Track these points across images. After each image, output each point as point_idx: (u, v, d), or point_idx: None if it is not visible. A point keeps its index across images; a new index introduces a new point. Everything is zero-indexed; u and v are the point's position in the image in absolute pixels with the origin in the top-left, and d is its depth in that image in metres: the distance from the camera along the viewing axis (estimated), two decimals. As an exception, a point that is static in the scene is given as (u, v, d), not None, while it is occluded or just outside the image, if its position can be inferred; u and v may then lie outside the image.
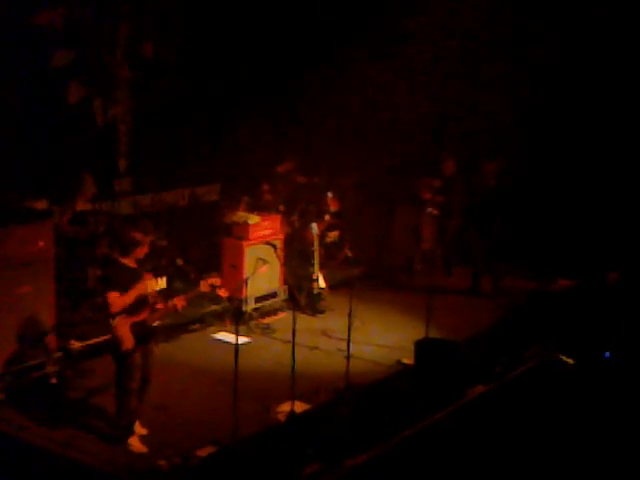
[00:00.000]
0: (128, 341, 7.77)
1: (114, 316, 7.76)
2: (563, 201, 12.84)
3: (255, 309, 11.46)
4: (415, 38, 14.07)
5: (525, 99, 13.45)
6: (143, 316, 7.90)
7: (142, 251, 7.95)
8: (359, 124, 14.37)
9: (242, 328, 10.38)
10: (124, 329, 7.76)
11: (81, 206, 11.05)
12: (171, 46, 12.67)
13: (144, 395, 8.16)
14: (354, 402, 8.84)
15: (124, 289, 7.73)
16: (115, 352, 7.92)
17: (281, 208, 12.76)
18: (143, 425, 8.18)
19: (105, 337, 9.28)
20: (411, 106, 14.20)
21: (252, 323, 11.29)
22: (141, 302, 7.89)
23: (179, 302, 8.01)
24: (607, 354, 9.86)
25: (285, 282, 11.78)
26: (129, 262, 7.92)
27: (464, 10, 13.82)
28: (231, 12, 13.19)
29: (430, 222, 13.22)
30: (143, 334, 7.93)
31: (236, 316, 10.04)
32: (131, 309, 7.82)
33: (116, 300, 7.71)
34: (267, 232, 11.70)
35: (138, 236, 7.94)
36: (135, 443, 7.97)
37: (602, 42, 12.79)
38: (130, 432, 7.99)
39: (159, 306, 8.05)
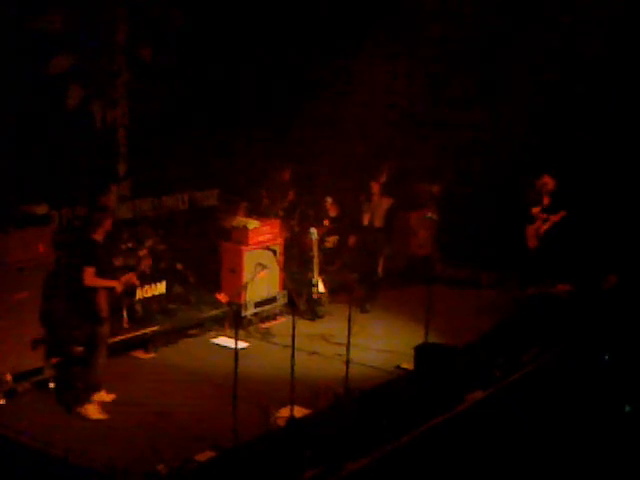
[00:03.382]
0: (104, 310, 8.74)
1: (89, 288, 8.63)
2: (562, 207, 12.84)
3: (254, 314, 11.47)
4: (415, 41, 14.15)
5: (521, 102, 13.55)
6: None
7: (108, 225, 8.92)
8: (358, 127, 14.38)
9: (241, 333, 10.40)
10: (102, 300, 8.70)
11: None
12: (169, 50, 12.65)
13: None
14: (354, 407, 8.83)
15: (98, 264, 8.68)
16: (91, 321, 8.73)
17: (280, 213, 12.76)
18: (109, 393, 9.00)
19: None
20: (411, 110, 14.26)
21: (251, 328, 11.30)
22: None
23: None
24: (606, 356, 9.88)
25: (284, 287, 11.79)
26: (98, 237, 8.78)
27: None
28: (229, 16, 13.19)
29: (428, 227, 13.21)
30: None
31: (235, 321, 10.02)
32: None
33: (92, 277, 8.61)
34: (266, 237, 11.70)
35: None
36: (92, 410, 8.62)
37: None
38: (87, 401, 8.69)
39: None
